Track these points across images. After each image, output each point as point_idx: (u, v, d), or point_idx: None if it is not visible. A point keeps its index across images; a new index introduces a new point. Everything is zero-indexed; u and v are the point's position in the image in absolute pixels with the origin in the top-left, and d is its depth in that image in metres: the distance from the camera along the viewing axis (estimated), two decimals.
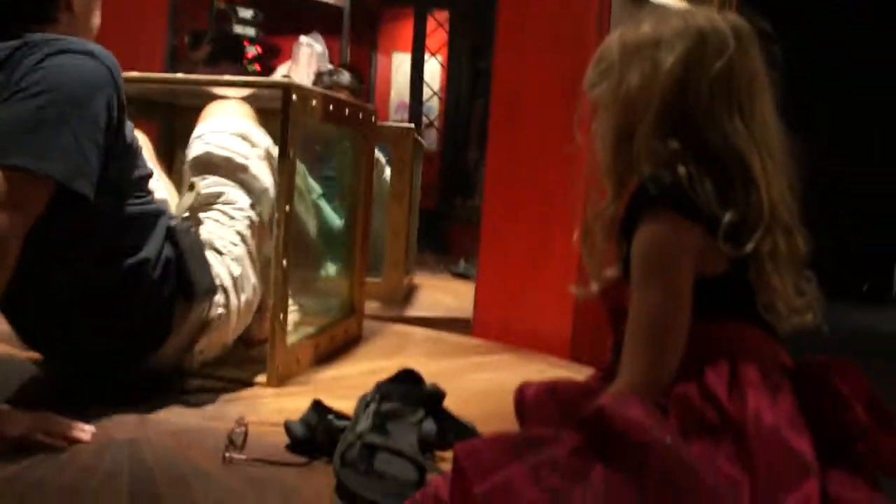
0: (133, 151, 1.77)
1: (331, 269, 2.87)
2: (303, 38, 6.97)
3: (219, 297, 1.92)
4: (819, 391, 1.26)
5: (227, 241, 1.99)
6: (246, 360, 2.17)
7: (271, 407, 1.86)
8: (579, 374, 2.29)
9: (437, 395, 1.57)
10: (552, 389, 1.42)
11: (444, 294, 3.88)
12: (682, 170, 1.26)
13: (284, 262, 2.03)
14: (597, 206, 1.39)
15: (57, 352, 1.91)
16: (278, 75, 6.65)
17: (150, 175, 1.86)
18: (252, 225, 2.05)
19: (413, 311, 3.38)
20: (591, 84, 1.41)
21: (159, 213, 1.84)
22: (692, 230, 1.25)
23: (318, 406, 1.62)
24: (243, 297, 2.00)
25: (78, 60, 1.60)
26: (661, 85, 1.31)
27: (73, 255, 1.73)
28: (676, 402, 1.19)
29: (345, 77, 4.02)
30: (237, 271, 1.98)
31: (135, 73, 2.08)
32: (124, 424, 1.66)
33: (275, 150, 2.12)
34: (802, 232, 1.33)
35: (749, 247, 1.26)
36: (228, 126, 2.14)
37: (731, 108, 1.30)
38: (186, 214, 2.02)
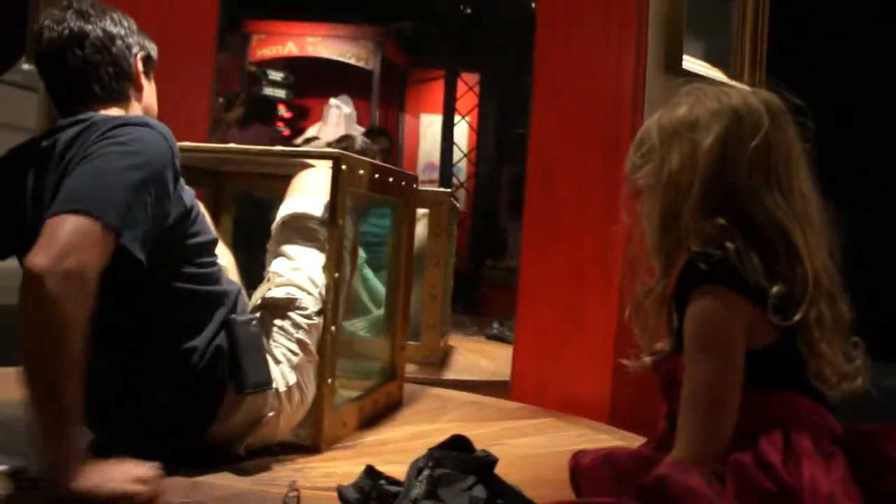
0: (192, 217, 1.80)
1: (374, 333, 2.89)
2: (332, 101, 7.09)
3: (272, 400, 1.92)
4: (869, 458, 1.28)
5: (286, 348, 2.00)
6: None
7: (321, 471, 1.89)
8: (621, 438, 2.31)
9: (490, 462, 1.59)
10: (608, 458, 1.44)
11: (479, 356, 3.89)
12: (730, 245, 1.30)
13: (333, 328, 2.06)
14: (646, 284, 1.43)
15: (101, 419, 1.86)
16: (308, 136, 6.75)
17: (213, 241, 1.88)
18: (316, 332, 2.05)
19: (451, 374, 3.38)
20: (633, 167, 1.46)
21: (220, 299, 1.85)
22: (742, 304, 1.29)
23: (370, 471, 1.64)
24: (295, 405, 2.00)
25: (136, 130, 1.67)
26: (701, 165, 1.36)
27: (122, 330, 1.76)
28: (733, 471, 1.22)
29: (357, 143, 4.02)
30: (292, 380, 1.98)
31: (188, 143, 2.10)
32: (176, 488, 1.67)
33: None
34: (845, 298, 1.37)
35: (796, 317, 1.29)
36: (319, 210, 2.15)
37: (769, 184, 1.35)
38: (257, 303, 2.03)
